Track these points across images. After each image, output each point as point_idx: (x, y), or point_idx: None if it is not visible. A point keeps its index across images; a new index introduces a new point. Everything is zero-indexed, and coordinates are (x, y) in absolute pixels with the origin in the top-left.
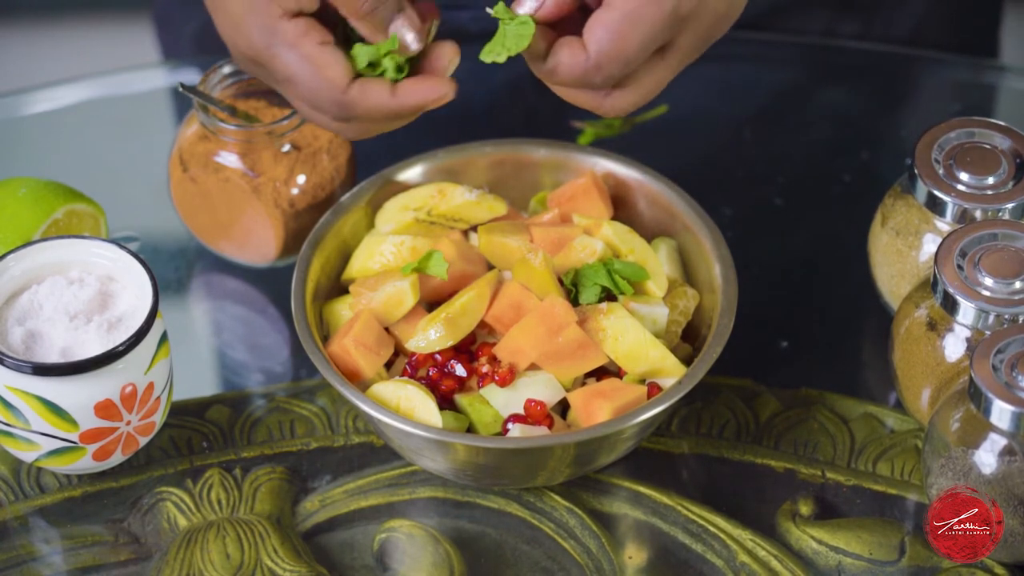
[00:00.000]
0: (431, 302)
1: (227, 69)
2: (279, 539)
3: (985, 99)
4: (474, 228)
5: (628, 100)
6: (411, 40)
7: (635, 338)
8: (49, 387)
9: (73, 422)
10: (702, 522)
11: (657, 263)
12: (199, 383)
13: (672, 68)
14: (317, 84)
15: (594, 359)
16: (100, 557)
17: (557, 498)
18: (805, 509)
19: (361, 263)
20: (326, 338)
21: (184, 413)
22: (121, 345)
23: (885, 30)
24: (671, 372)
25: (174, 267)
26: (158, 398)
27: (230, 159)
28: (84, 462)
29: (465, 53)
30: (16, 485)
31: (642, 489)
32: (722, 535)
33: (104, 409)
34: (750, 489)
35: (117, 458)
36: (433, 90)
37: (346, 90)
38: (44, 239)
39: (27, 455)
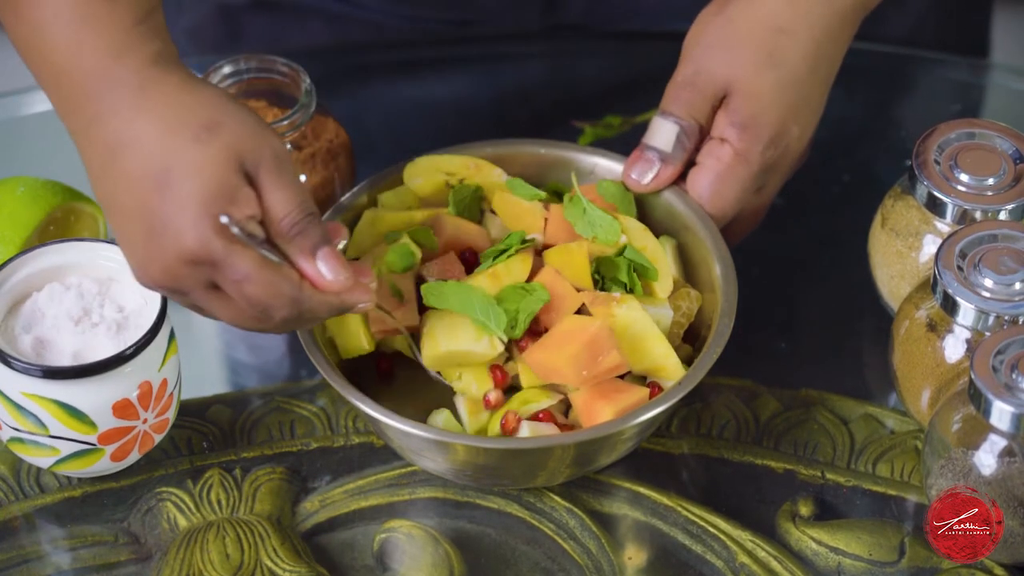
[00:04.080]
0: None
1: (227, 69)
2: (279, 539)
3: (985, 99)
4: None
5: (734, 236)
6: (325, 272)
7: (642, 331)
8: (66, 390)
9: (91, 424)
10: (702, 523)
11: (666, 264)
12: (200, 383)
13: (766, 202)
14: (277, 282)
15: (629, 392)
16: (100, 557)
17: (557, 499)
18: (805, 510)
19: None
20: (328, 339)
21: (184, 413)
22: (136, 343)
23: (883, 30)
24: (671, 374)
25: None
26: (171, 394)
27: None
28: (102, 464)
29: (459, 56)
30: (16, 485)
31: (642, 490)
32: (722, 536)
33: (122, 409)
34: (750, 490)
35: (134, 457)
36: (364, 295)
37: (302, 286)
38: (44, 244)
39: (44, 461)
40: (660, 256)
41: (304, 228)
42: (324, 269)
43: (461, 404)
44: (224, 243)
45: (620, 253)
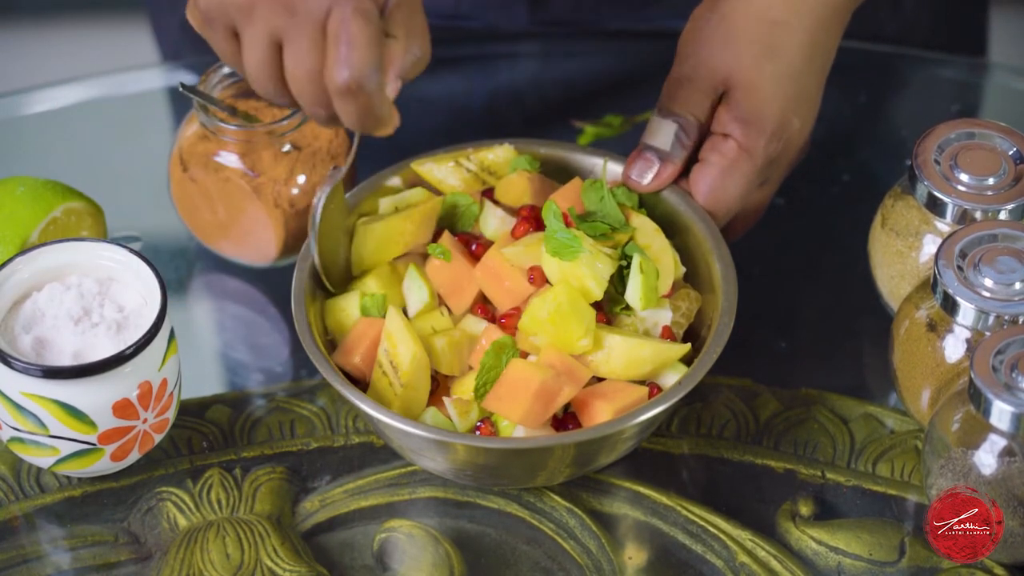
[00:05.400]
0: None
1: (227, 69)
2: (279, 539)
3: (985, 99)
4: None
5: (735, 231)
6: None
7: (621, 352)
8: (66, 390)
9: (91, 424)
10: (702, 522)
11: (670, 265)
12: (199, 383)
13: (768, 196)
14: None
15: (629, 392)
16: (100, 557)
17: (557, 498)
18: (805, 509)
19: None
20: (328, 339)
21: (184, 413)
22: (136, 343)
23: (878, 29)
24: (670, 361)
25: (174, 267)
26: (171, 394)
27: (230, 159)
28: (102, 464)
29: (451, 55)
30: (16, 485)
31: (642, 489)
32: (722, 535)
33: (122, 408)
34: (750, 489)
35: (133, 457)
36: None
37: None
38: (44, 244)
39: (44, 461)
40: (664, 255)
41: None
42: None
43: (450, 404)
44: None
45: (624, 250)
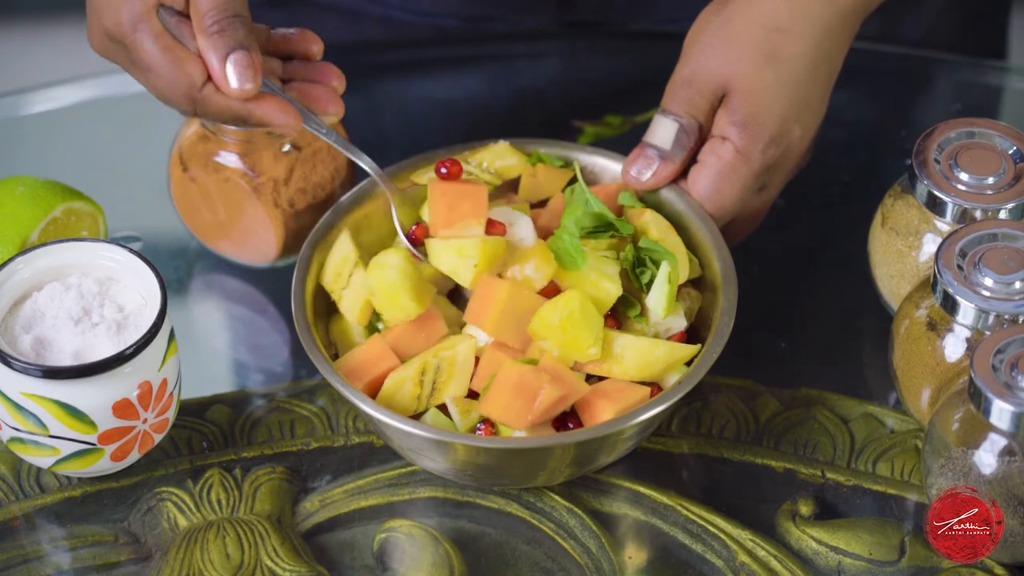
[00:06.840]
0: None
1: None
2: (279, 539)
3: (986, 99)
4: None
5: (734, 236)
6: (231, 76)
7: (635, 353)
8: (66, 390)
9: (91, 424)
10: (702, 522)
11: (685, 263)
12: (199, 383)
13: (767, 202)
14: (174, 78)
15: (630, 392)
16: (100, 557)
17: (557, 498)
18: (805, 509)
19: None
20: (328, 344)
21: (184, 413)
22: (136, 343)
23: (899, 31)
24: (682, 361)
25: (174, 267)
26: (171, 394)
27: (230, 159)
28: (102, 463)
29: (473, 55)
30: (16, 485)
31: (642, 489)
32: (722, 535)
33: (122, 409)
34: (750, 489)
35: (133, 457)
36: (280, 115)
37: (201, 88)
38: (44, 244)
39: (44, 461)
40: (678, 252)
41: (223, 28)
42: (231, 73)
43: (451, 404)
44: (132, 27)
45: (636, 243)
